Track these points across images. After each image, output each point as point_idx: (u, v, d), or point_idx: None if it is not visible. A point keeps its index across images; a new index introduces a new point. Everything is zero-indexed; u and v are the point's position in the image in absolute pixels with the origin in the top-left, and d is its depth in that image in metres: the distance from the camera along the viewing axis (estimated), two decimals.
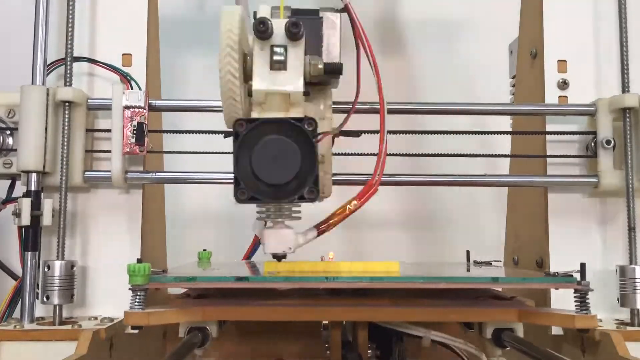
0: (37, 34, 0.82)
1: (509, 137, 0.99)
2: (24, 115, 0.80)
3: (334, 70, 0.68)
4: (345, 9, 0.71)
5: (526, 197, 0.97)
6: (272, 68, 0.63)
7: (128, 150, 0.82)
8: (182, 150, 0.89)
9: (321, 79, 0.68)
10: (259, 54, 0.63)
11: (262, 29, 0.62)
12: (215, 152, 0.85)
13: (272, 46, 0.63)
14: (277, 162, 0.61)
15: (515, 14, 1.00)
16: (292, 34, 0.63)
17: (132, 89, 0.85)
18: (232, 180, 0.86)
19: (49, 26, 0.83)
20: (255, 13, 0.67)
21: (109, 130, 0.82)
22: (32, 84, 0.82)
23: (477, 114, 0.91)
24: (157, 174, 0.86)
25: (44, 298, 0.78)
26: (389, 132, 0.82)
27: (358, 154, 0.84)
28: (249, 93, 0.64)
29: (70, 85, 0.83)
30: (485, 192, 1.30)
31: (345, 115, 0.73)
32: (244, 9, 0.65)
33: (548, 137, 0.89)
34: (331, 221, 0.69)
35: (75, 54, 0.85)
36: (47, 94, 0.80)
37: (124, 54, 0.87)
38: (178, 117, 0.97)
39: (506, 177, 0.96)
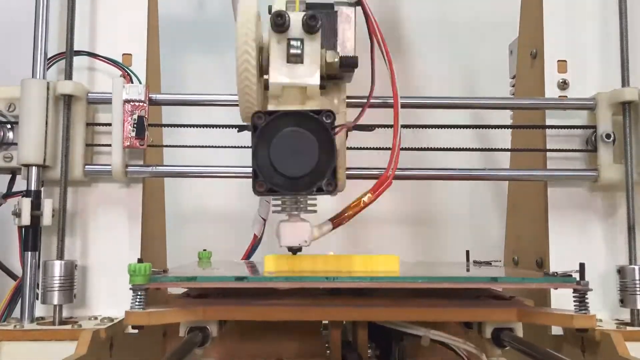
0: (37, 28, 0.82)
1: (509, 134, 0.99)
2: (25, 109, 0.80)
3: (349, 64, 0.68)
4: (360, 3, 0.71)
5: (526, 197, 0.97)
6: (288, 61, 0.64)
7: (128, 144, 0.82)
8: (181, 144, 0.89)
9: (336, 73, 0.68)
10: (275, 47, 0.64)
11: (279, 22, 0.62)
12: (215, 147, 0.85)
13: (288, 39, 0.64)
14: (295, 155, 0.62)
15: (515, 14, 1.00)
16: (310, 26, 0.63)
17: (132, 83, 0.85)
18: (233, 174, 0.87)
19: (50, 21, 0.83)
20: (270, 7, 0.67)
21: (109, 124, 0.83)
22: (33, 77, 0.82)
23: (478, 108, 0.91)
24: (157, 167, 0.86)
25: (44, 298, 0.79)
26: (388, 126, 0.83)
27: (366, 148, 0.84)
28: (265, 87, 0.64)
29: (71, 79, 0.83)
30: (485, 192, 1.30)
31: (360, 109, 0.73)
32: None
33: (548, 131, 0.89)
34: (346, 214, 0.70)
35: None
36: (48, 88, 0.81)
37: (124, 54, 0.87)
38: (178, 115, 0.97)
39: (506, 171, 0.96)
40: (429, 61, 1.35)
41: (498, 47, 1.13)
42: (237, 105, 0.93)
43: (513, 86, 1.04)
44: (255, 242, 1.07)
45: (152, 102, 0.84)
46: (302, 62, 0.64)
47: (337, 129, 0.64)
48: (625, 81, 0.86)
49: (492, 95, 0.91)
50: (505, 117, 1.01)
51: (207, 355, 0.77)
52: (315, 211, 0.69)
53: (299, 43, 0.64)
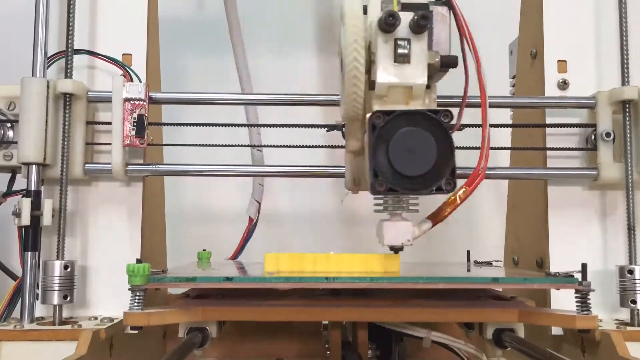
0: (37, 26, 0.82)
1: (509, 134, 0.99)
2: (25, 108, 0.79)
3: (449, 64, 0.68)
4: (449, 3, 0.71)
5: (526, 196, 0.97)
6: (396, 61, 0.64)
7: (128, 142, 0.82)
8: (182, 143, 0.89)
9: (433, 73, 0.68)
10: (382, 47, 0.64)
11: (391, 22, 0.62)
12: (215, 145, 0.85)
13: (396, 39, 0.64)
14: (413, 154, 0.62)
15: (515, 14, 1.00)
16: (421, 26, 0.63)
17: (132, 81, 0.85)
18: (233, 173, 0.88)
19: (50, 19, 0.83)
20: (365, 7, 0.67)
21: (110, 123, 0.82)
22: (33, 76, 0.81)
23: (478, 107, 0.91)
24: (157, 166, 0.86)
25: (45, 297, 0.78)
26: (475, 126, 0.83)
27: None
28: (371, 86, 0.65)
29: (71, 77, 0.83)
30: (485, 192, 1.30)
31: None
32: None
33: (548, 130, 0.89)
34: (444, 211, 0.71)
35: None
36: (48, 86, 0.80)
37: (124, 54, 0.87)
38: (178, 116, 0.97)
39: (506, 170, 0.96)
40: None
41: (498, 47, 1.12)
42: (236, 104, 0.94)
43: (513, 86, 1.04)
44: (251, 226, 1.07)
45: (152, 101, 0.84)
46: (409, 62, 0.64)
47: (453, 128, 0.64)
48: (625, 80, 0.86)
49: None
50: (505, 117, 1.01)
51: (206, 356, 0.77)
52: (417, 210, 0.69)
53: (406, 43, 0.64)
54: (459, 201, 0.70)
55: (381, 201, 0.69)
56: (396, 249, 0.71)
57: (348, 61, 0.63)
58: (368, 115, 0.64)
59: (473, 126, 0.90)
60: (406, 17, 0.63)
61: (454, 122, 0.65)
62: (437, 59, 0.67)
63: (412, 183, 0.63)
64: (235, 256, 1.06)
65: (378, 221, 0.71)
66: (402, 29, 0.64)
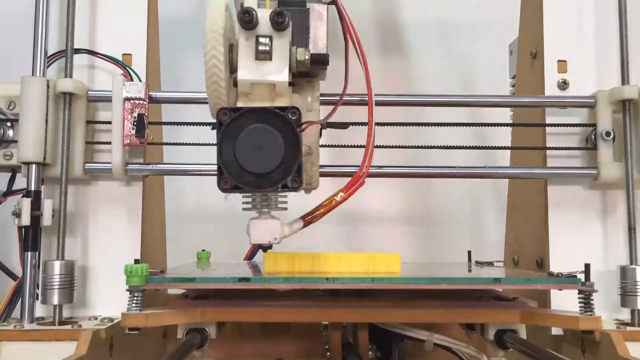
0: (37, 26, 0.82)
1: (508, 133, 0.99)
2: (25, 107, 0.79)
3: (320, 61, 0.68)
4: (334, 2, 0.71)
5: (526, 196, 0.96)
6: (257, 58, 0.63)
7: (128, 141, 0.82)
8: (181, 142, 0.89)
9: (308, 70, 0.67)
10: (244, 44, 0.63)
11: (247, 19, 0.62)
12: (215, 144, 0.85)
13: (257, 36, 0.63)
14: (260, 151, 0.61)
15: (515, 14, 1.00)
16: (277, 23, 0.63)
17: (132, 81, 0.85)
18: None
19: (50, 19, 0.83)
20: (242, 4, 0.66)
21: (109, 122, 0.82)
22: (33, 75, 0.81)
23: (478, 106, 0.91)
24: (157, 165, 0.86)
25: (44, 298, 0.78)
26: (386, 124, 0.83)
27: (353, 146, 0.83)
28: (235, 84, 0.64)
29: (71, 77, 0.83)
30: (485, 192, 1.30)
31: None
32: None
33: (548, 129, 0.89)
34: (317, 212, 0.69)
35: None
36: (48, 86, 0.80)
37: (123, 54, 0.87)
38: (177, 117, 0.97)
39: (506, 169, 0.96)
40: (429, 61, 1.34)
41: (498, 47, 1.12)
42: None
43: (513, 86, 1.04)
44: (256, 247, 1.07)
45: (152, 100, 0.84)
46: (270, 59, 0.63)
47: (303, 126, 0.63)
48: (625, 79, 0.86)
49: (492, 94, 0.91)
50: (505, 117, 1.01)
51: (205, 357, 0.77)
52: (285, 209, 0.68)
53: (267, 40, 0.63)
54: (334, 204, 0.69)
55: (250, 199, 0.68)
56: (264, 247, 0.71)
57: (207, 58, 0.63)
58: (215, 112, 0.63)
59: (471, 125, 0.90)
60: (267, 14, 0.63)
61: (313, 119, 0.65)
62: (306, 56, 0.66)
63: (259, 180, 0.62)
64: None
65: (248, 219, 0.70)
66: (265, 26, 0.63)
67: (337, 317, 0.72)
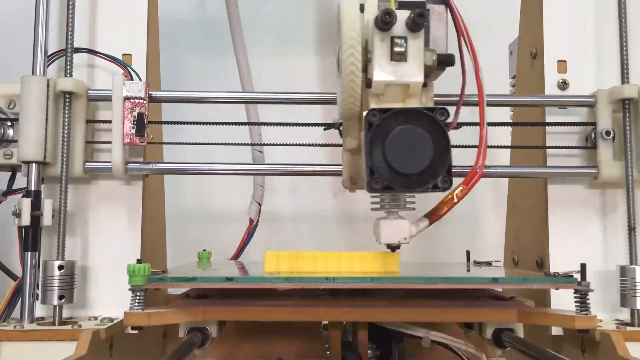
0: (37, 25, 0.82)
1: (508, 133, 0.99)
2: (25, 106, 0.80)
3: (446, 62, 0.68)
4: (446, 2, 0.71)
5: (526, 196, 0.97)
6: (392, 59, 0.64)
7: (128, 141, 0.82)
8: (182, 142, 0.89)
9: (430, 71, 0.68)
10: (379, 45, 0.64)
11: (387, 20, 0.62)
12: (215, 144, 0.85)
13: (392, 37, 0.63)
14: (410, 152, 0.62)
15: (515, 14, 1.00)
16: (417, 24, 0.63)
17: (132, 80, 0.85)
18: (233, 172, 0.89)
19: (50, 18, 0.83)
20: (362, 5, 0.67)
21: (110, 121, 0.82)
22: (33, 74, 0.81)
23: (476, 105, 0.90)
24: (157, 164, 0.86)
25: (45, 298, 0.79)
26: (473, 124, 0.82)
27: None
28: (368, 85, 0.65)
29: (71, 76, 0.83)
30: (485, 191, 1.30)
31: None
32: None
33: (548, 128, 0.89)
34: (441, 209, 0.70)
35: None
36: (48, 85, 0.80)
37: (123, 54, 0.87)
38: (177, 114, 0.97)
39: (506, 168, 0.96)
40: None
41: (498, 47, 1.12)
42: (235, 102, 0.94)
43: (513, 86, 1.04)
44: (252, 227, 1.08)
45: (152, 100, 0.84)
46: (405, 60, 0.64)
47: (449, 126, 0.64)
48: (624, 78, 0.86)
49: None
50: (504, 117, 1.01)
51: (206, 356, 0.77)
52: (414, 209, 0.69)
53: (402, 41, 0.63)
54: (456, 200, 0.70)
55: (378, 199, 0.69)
56: (393, 247, 0.71)
57: (345, 59, 0.63)
58: (364, 113, 0.64)
59: (471, 124, 0.90)
60: (403, 15, 0.63)
61: (450, 120, 0.65)
62: (434, 57, 0.66)
63: (409, 181, 0.63)
64: (235, 256, 1.06)
65: (375, 219, 0.71)
66: (399, 27, 0.63)
67: (336, 317, 0.72)
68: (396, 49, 0.63)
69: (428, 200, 0.71)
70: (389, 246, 0.71)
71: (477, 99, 0.78)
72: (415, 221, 0.70)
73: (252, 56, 1.15)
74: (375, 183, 0.62)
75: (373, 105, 0.65)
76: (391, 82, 0.64)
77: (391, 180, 0.62)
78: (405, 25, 0.63)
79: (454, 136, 0.78)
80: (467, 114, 1.07)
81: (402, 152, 0.62)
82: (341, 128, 0.75)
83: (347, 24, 0.63)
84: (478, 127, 0.88)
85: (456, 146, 0.82)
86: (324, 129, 0.81)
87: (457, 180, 0.70)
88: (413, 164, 0.62)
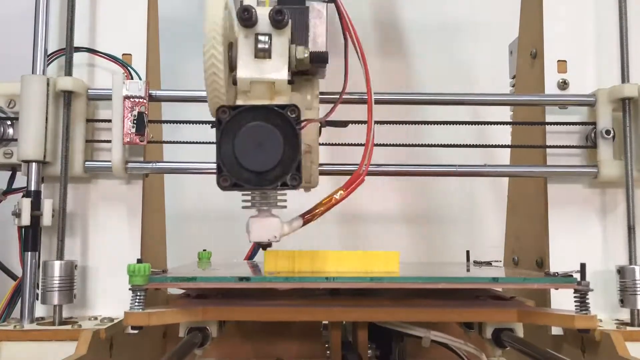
0: (37, 24, 0.82)
1: (508, 132, 0.99)
2: (25, 105, 0.80)
3: (319, 59, 0.68)
4: (333, 0, 0.71)
5: (526, 196, 0.97)
6: (256, 56, 0.63)
7: (128, 140, 0.82)
8: (181, 141, 0.89)
9: (308, 69, 0.67)
10: (243, 42, 0.63)
11: (246, 17, 0.62)
12: (215, 143, 0.85)
13: (256, 34, 0.63)
14: (260, 149, 0.61)
15: (515, 14, 1.00)
16: (277, 21, 0.62)
17: (132, 79, 0.85)
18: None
19: (50, 17, 0.83)
20: (241, 2, 0.67)
21: (110, 121, 0.82)
22: (33, 73, 0.81)
23: (477, 104, 0.91)
24: (157, 164, 0.86)
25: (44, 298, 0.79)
26: (385, 122, 0.83)
27: (353, 144, 0.83)
28: (234, 82, 0.64)
29: (71, 75, 0.83)
30: (485, 191, 1.30)
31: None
32: None
33: (548, 128, 0.89)
34: (317, 210, 0.69)
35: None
36: (48, 84, 0.80)
37: (123, 54, 0.87)
38: (177, 114, 0.97)
39: (506, 167, 0.96)
40: (429, 61, 1.35)
41: (498, 47, 1.12)
42: None
43: (513, 86, 1.04)
44: (256, 246, 1.07)
45: (152, 99, 0.84)
46: (270, 57, 0.63)
47: (302, 124, 0.63)
48: (624, 77, 0.86)
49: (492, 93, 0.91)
50: (505, 116, 1.01)
51: (206, 356, 0.77)
52: (285, 207, 0.68)
53: (266, 38, 0.63)
54: (333, 202, 0.69)
55: (249, 197, 0.68)
56: (264, 246, 0.70)
57: (206, 57, 0.62)
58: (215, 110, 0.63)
59: (471, 124, 0.90)
60: (266, 12, 0.63)
61: (313, 117, 0.65)
62: (306, 54, 0.66)
63: (259, 178, 0.62)
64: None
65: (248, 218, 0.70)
66: (264, 24, 0.63)
67: (336, 316, 0.73)
68: (259, 45, 0.63)
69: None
70: (259, 244, 0.70)
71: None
72: (289, 220, 0.68)
73: None
74: (224, 180, 0.61)
75: (240, 102, 0.65)
76: (255, 79, 0.64)
77: (240, 177, 0.62)
78: (270, 22, 0.63)
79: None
80: (467, 113, 1.07)
81: (252, 149, 0.61)
82: None
83: (210, 20, 0.62)
84: (475, 126, 0.89)
85: (350, 144, 0.83)
86: (211, 127, 0.79)
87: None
88: (262, 161, 0.61)
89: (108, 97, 0.83)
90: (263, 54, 0.63)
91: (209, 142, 0.86)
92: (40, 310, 0.81)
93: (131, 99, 0.82)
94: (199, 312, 0.69)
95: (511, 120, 1.00)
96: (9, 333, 0.73)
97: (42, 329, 0.75)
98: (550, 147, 0.88)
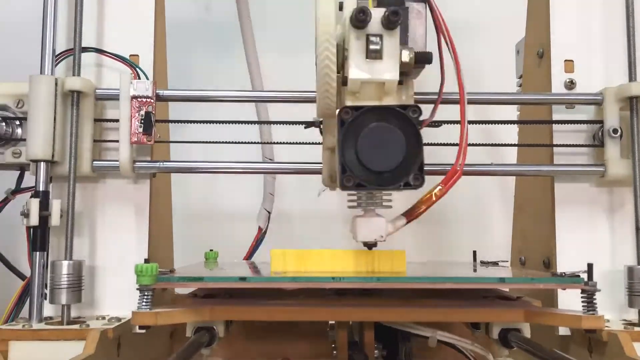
0: (45, 25, 0.83)
1: (515, 131, 0.99)
2: (33, 105, 0.80)
3: (424, 60, 0.68)
4: (427, 0, 0.71)
5: (533, 196, 0.96)
6: (368, 57, 0.63)
7: (136, 139, 0.82)
8: (189, 140, 0.89)
9: (408, 69, 0.67)
10: (354, 43, 0.64)
11: (362, 18, 0.62)
12: (222, 142, 0.86)
13: (368, 35, 0.63)
14: (382, 149, 0.62)
15: (522, 14, 1.00)
16: (392, 22, 0.63)
17: (139, 79, 0.85)
18: (240, 170, 0.89)
19: (58, 18, 0.84)
20: (341, 4, 0.66)
21: (117, 120, 0.83)
22: (41, 73, 0.82)
23: (485, 103, 0.90)
24: (164, 163, 0.86)
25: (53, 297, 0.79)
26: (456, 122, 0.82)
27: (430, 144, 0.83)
28: (343, 82, 0.65)
29: (79, 75, 0.84)
30: (491, 191, 1.30)
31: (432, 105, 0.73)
32: None
33: (555, 127, 0.88)
34: (419, 208, 0.70)
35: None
36: (56, 84, 0.81)
37: (131, 55, 0.87)
38: (184, 114, 0.97)
39: (512, 167, 0.96)
40: (435, 60, 1.34)
41: (505, 46, 1.12)
42: (242, 101, 0.94)
43: (520, 86, 1.03)
44: (260, 235, 1.08)
45: (159, 98, 0.84)
46: (381, 57, 0.63)
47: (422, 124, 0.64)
48: (632, 76, 0.85)
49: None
50: (511, 115, 1.01)
51: (213, 355, 0.77)
52: (390, 206, 0.69)
53: (378, 39, 0.63)
54: (434, 198, 0.70)
55: (355, 197, 0.69)
56: (369, 245, 0.71)
57: (320, 58, 0.63)
58: (337, 111, 0.64)
59: (477, 123, 0.90)
60: (379, 13, 0.63)
61: (425, 117, 0.65)
62: (411, 55, 0.66)
63: (381, 178, 0.63)
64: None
65: (352, 217, 0.70)
66: (374, 25, 0.63)
67: (343, 316, 0.73)
68: (371, 46, 0.63)
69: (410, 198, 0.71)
70: (365, 244, 0.71)
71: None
72: (393, 219, 0.69)
73: (260, 55, 1.15)
74: (347, 180, 0.62)
75: (349, 103, 0.65)
76: (366, 80, 0.64)
77: (363, 177, 0.62)
78: (381, 23, 0.63)
79: (443, 134, 0.79)
80: (475, 112, 1.07)
81: (375, 150, 0.62)
82: (321, 126, 0.75)
83: (323, 22, 0.62)
84: (482, 125, 0.89)
85: (439, 145, 0.83)
86: (305, 127, 0.80)
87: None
88: (385, 161, 0.62)
89: (116, 97, 0.83)
90: (375, 54, 0.63)
91: (216, 142, 0.87)
92: (48, 309, 0.81)
93: (138, 99, 0.82)
94: (206, 312, 0.69)
95: (518, 120, 1.00)
96: (17, 332, 0.74)
97: (51, 329, 0.75)
98: (557, 145, 0.88)
